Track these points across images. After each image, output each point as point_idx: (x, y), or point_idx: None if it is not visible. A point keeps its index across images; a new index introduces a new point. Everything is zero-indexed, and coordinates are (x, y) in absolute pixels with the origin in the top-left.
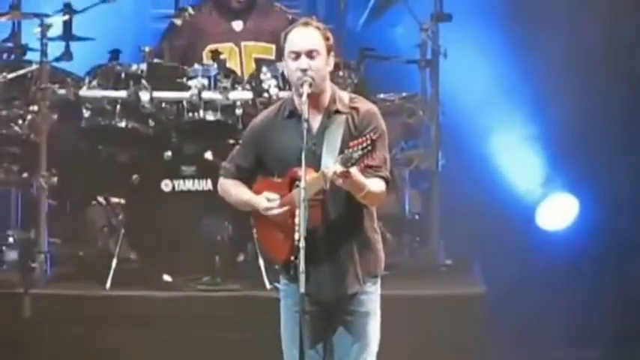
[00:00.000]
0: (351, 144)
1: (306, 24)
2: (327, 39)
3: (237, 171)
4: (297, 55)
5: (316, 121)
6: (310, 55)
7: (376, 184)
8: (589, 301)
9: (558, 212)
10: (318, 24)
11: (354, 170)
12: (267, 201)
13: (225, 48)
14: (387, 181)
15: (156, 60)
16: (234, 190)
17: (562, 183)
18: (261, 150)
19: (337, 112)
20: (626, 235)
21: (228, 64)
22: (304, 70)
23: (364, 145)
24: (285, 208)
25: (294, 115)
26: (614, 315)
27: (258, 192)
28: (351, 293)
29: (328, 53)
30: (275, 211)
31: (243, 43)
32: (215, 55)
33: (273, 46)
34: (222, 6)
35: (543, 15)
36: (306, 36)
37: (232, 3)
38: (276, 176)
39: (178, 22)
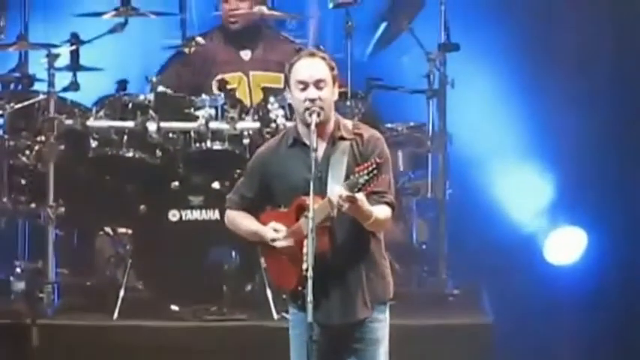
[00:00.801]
0: (356, 169)
1: (312, 54)
2: (332, 69)
3: (242, 200)
4: (305, 86)
5: (321, 149)
6: (318, 85)
7: (382, 211)
8: (597, 335)
9: (566, 246)
10: (323, 54)
11: (361, 196)
12: (273, 232)
13: (234, 77)
14: (392, 207)
15: (161, 88)
16: (241, 221)
17: (569, 215)
18: (266, 180)
19: (341, 138)
20: (637, 268)
21: (237, 94)
22: (313, 100)
23: (370, 169)
24: (291, 240)
25: (298, 143)
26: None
27: (265, 223)
28: (360, 319)
29: (334, 83)
30: (281, 243)
31: (251, 73)
32: (222, 84)
33: (281, 76)
34: (229, 35)
35: (549, 42)
36: (313, 66)
37: (240, 29)
38: (283, 206)
39: (189, 51)
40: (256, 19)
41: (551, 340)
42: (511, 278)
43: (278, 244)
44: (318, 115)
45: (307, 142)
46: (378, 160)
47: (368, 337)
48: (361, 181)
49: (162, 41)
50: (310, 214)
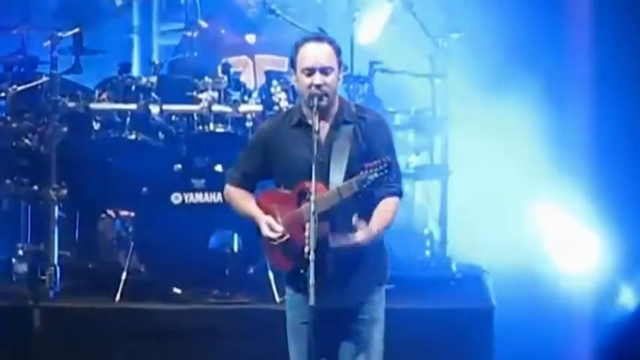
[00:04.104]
0: (367, 165)
1: (319, 39)
2: (338, 54)
3: (241, 176)
4: (311, 71)
5: (324, 132)
6: (324, 71)
7: (391, 210)
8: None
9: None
10: (330, 38)
11: (376, 226)
12: (268, 229)
13: (240, 60)
14: (400, 195)
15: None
16: (239, 201)
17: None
18: (267, 157)
19: (345, 122)
20: None
21: (242, 77)
22: (318, 86)
23: (381, 167)
24: (286, 237)
25: (302, 123)
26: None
27: (265, 203)
28: (357, 301)
29: (339, 68)
30: (275, 242)
31: (256, 56)
32: (225, 67)
33: (286, 59)
34: (236, 18)
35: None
36: (319, 52)
37: (247, 14)
38: (283, 186)
39: (191, 34)
40: (261, 4)
41: (553, 326)
42: (514, 259)
43: (271, 242)
44: (322, 99)
45: (311, 124)
46: (389, 159)
47: (364, 318)
48: (371, 178)
49: (163, 26)
50: (312, 197)
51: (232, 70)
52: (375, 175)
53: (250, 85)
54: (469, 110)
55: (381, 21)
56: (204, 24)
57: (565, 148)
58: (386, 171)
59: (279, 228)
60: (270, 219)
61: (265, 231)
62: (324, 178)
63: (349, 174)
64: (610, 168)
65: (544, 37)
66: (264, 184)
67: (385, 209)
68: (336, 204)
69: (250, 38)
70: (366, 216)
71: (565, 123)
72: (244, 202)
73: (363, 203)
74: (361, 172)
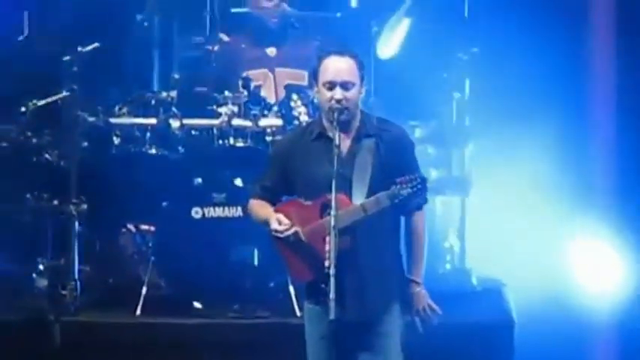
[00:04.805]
0: (399, 180)
1: (341, 53)
2: (361, 68)
3: (262, 190)
4: (332, 85)
5: (345, 145)
6: (345, 85)
7: (421, 227)
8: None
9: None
10: (352, 52)
11: (420, 271)
12: (276, 222)
13: (260, 74)
14: (425, 203)
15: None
16: (257, 209)
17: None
18: (287, 170)
19: (366, 135)
20: None
21: (262, 90)
22: (339, 101)
23: (414, 183)
24: (294, 229)
25: (323, 137)
26: None
27: (286, 212)
28: (377, 315)
29: (361, 82)
30: (283, 235)
31: (277, 69)
32: (246, 82)
33: (306, 73)
34: (257, 31)
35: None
36: (341, 66)
37: (269, 24)
38: (304, 198)
39: (212, 48)
40: (281, 17)
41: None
42: (535, 273)
43: (281, 235)
44: (342, 113)
45: (332, 137)
46: (423, 175)
47: (382, 331)
48: (403, 193)
49: (183, 39)
50: (332, 212)
51: (253, 84)
52: (409, 190)
53: (270, 99)
54: (489, 125)
55: (400, 35)
56: (225, 38)
57: (588, 166)
58: (419, 186)
59: (287, 221)
60: (280, 215)
61: (274, 225)
62: (347, 189)
63: (372, 188)
64: (635, 188)
65: (570, 54)
66: None
67: (418, 241)
68: (359, 219)
69: (271, 51)
70: (386, 235)
71: (587, 136)
72: (262, 209)
73: (387, 216)
74: (393, 187)
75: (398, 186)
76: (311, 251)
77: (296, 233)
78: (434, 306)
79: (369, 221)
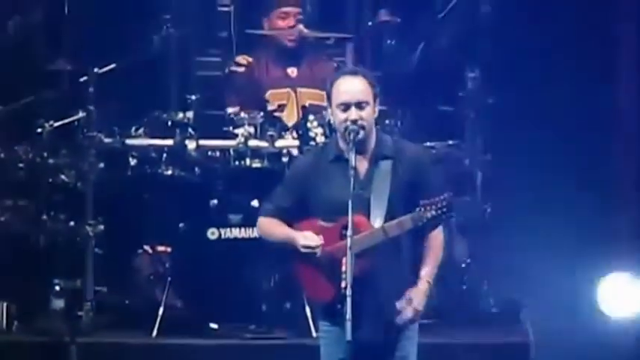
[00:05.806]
0: (423, 202)
1: (353, 73)
2: (373, 87)
3: (277, 210)
4: (347, 106)
5: (363, 166)
6: (359, 105)
7: (439, 248)
8: None
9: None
10: (365, 72)
11: (429, 279)
12: (304, 238)
13: (283, 94)
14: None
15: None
16: (274, 227)
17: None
18: (304, 192)
19: (384, 157)
20: None
21: (285, 110)
22: (354, 121)
23: (440, 205)
24: (319, 244)
25: (340, 159)
26: None
27: (307, 231)
28: (392, 336)
29: (375, 101)
30: (315, 250)
31: (299, 89)
32: (266, 103)
33: (324, 93)
34: (277, 52)
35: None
36: (354, 87)
37: (286, 45)
38: (321, 219)
39: (237, 69)
40: (298, 38)
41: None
42: (553, 296)
43: (310, 251)
44: (358, 133)
45: (348, 159)
46: (450, 198)
47: (398, 354)
48: (428, 215)
49: (200, 59)
50: (349, 233)
51: (276, 103)
52: (433, 212)
53: (293, 119)
54: (506, 144)
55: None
56: (248, 59)
57: (610, 182)
58: (444, 209)
59: (317, 237)
60: (307, 232)
61: (303, 241)
62: (365, 211)
63: (390, 209)
64: None
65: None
66: None
67: (435, 254)
68: (380, 242)
69: (292, 71)
70: (405, 258)
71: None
72: (279, 227)
73: (406, 236)
74: (417, 210)
75: (422, 209)
76: (330, 272)
77: (324, 251)
78: (419, 307)
79: (387, 244)
